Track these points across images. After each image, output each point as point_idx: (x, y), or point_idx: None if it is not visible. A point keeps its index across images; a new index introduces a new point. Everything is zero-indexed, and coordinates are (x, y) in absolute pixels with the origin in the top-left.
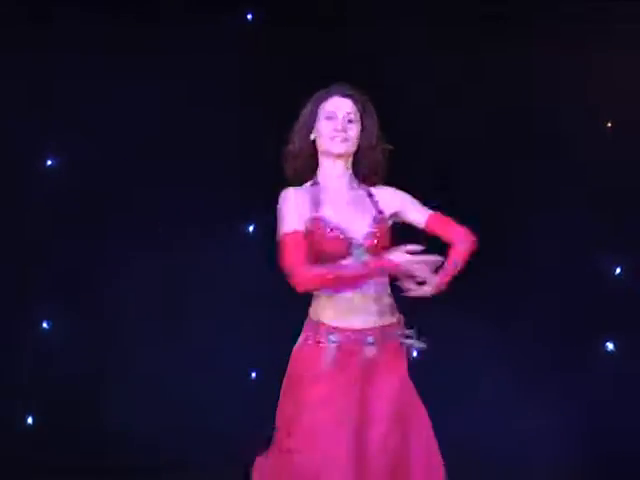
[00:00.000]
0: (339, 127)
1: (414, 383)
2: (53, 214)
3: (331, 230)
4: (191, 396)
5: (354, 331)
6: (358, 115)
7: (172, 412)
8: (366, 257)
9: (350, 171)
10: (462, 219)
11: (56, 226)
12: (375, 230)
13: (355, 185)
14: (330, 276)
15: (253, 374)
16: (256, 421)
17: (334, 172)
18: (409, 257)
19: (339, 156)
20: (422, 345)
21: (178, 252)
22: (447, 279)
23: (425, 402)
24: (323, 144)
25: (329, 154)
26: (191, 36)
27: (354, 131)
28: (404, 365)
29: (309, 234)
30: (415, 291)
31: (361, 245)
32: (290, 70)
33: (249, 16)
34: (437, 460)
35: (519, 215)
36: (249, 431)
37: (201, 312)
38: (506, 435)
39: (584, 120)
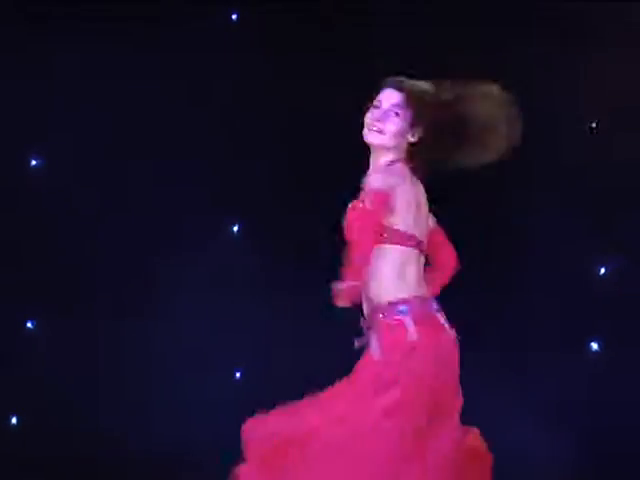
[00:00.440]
0: (377, 117)
1: None
2: (36, 214)
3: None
4: (177, 395)
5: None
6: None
7: (159, 411)
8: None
9: (378, 161)
10: (444, 220)
11: (41, 225)
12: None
13: None
14: None
15: (237, 374)
16: (242, 420)
17: (372, 161)
18: None
19: (377, 147)
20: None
21: (163, 251)
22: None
23: None
24: (364, 132)
25: (369, 144)
26: (176, 34)
27: (395, 125)
28: None
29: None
30: None
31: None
32: (275, 69)
33: (234, 16)
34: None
35: (502, 216)
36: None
37: (186, 311)
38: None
39: (568, 121)
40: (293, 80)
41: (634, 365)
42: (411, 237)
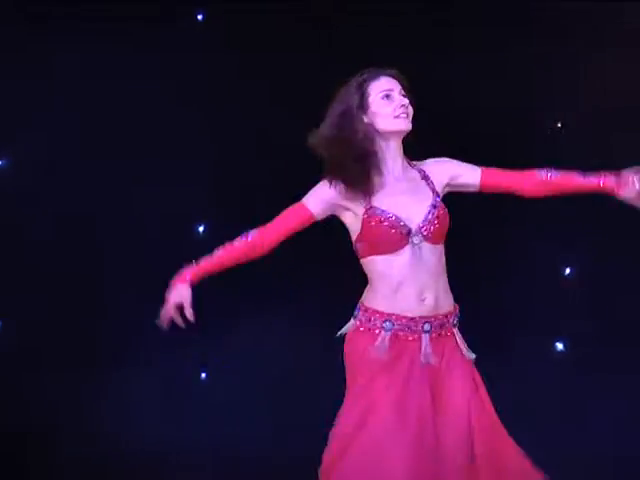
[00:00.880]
0: (402, 102)
1: None
2: (5, 213)
3: (385, 220)
4: (142, 395)
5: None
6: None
7: (131, 411)
8: (424, 244)
9: (401, 151)
10: None
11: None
12: (433, 217)
13: (407, 165)
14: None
15: (203, 375)
16: (208, 421)
17: (389, 154)
18: None
19: (400, 134)
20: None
21: (129, 251)
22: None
23: None
24: (383, 124)
25: (391, 134)
26: (145, 35)
27: (411, 108)
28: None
29: (365, 224)
30: None
31: (419, 233)
32: (241, 69)
33: (199, 16)
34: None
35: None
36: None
37: (151, 311)
38: None
39: (533, 120)
40: (259, 80)
41: (599, 365)
42: None
